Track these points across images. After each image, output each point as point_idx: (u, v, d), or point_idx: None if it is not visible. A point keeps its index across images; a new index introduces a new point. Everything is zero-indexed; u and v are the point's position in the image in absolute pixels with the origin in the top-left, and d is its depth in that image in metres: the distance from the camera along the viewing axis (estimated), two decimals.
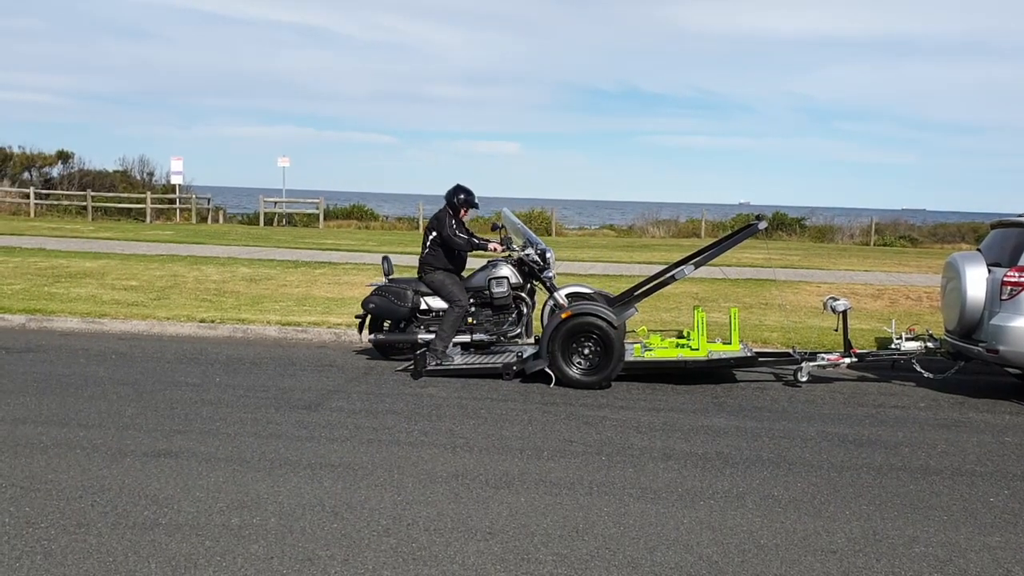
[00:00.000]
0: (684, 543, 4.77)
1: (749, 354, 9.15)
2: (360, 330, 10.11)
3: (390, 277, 10.06)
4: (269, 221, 36.61)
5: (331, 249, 22.19)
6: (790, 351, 9.45)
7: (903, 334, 9.37)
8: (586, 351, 8.63)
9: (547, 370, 8.61)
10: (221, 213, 39.34)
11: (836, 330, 9.46)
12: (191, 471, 5.73)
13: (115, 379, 8.46)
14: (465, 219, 9.80)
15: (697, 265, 9.41)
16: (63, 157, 39.95)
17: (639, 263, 19.62)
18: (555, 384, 8.56)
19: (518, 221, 10.27)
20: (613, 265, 19.39)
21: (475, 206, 9.82)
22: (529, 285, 9.85)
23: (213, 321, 11.60)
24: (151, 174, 41.51)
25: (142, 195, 36.24)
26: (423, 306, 9.73)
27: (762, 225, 9.39)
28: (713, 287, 15.39)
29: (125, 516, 4.93)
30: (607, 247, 26.20)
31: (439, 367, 8.97)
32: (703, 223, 34.92)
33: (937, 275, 14.39)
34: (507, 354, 9.45)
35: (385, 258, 10.31)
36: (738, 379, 9.26)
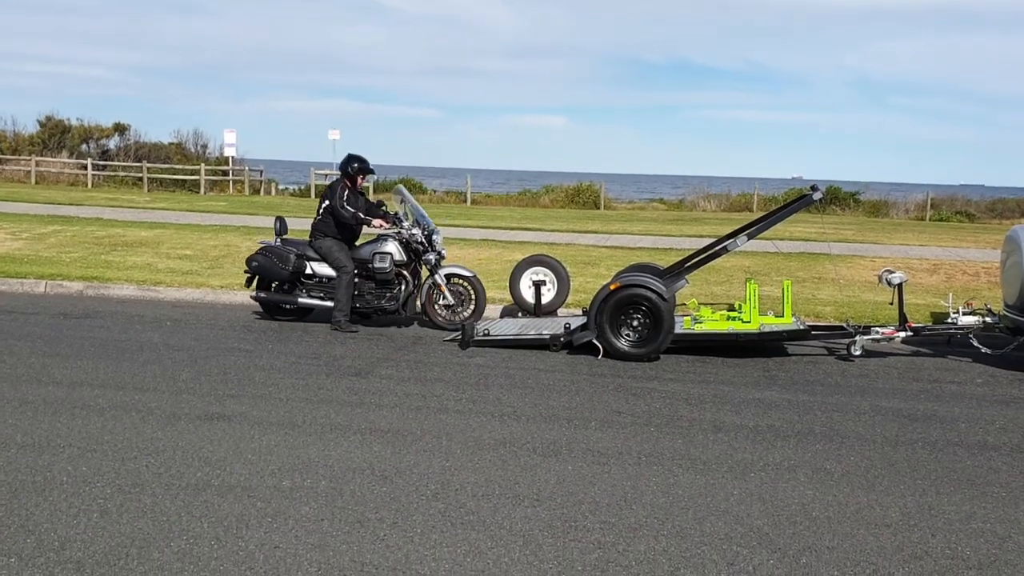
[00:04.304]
0: (734, 514, 4.72)
1: (802, 327, 9.01)
2: (247, 285, 10.37)
3: (282, 237, 10.24)
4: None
5: None
6: (843, 324, 9.29)
7: (960, 308, 9.15)
8: (635, 323, 8.56)
9: (595, 342, 8.57)
10: (273, 185, 39.75)
11: (891, 303, 9.27)
12: (243, 434, 5.81)
13: (170, 345, 8.60)
14: (362, 185, 10.36)
15: (751, 236, 9.25)
16: (119, 129, 40.62)
17: (689, 236, 19.40)
18: (602, 356, 8.51)
19: (413, 200, 10.55)
20: (663, 239, 19.20)
21: (371, 172, 10.39)
22: (414, 264, 10.05)
23: None
24: (204, 146, 42.13)
25: (196, 167, 36.75)
26: (308, 270, 10.00)
27: (817, 196, 9.20)
28: (765, 260, 15.18)
29: (179, 477, 5.02)
30: (657, 220, 25.94)
31: (487, 336, 8.97)
32: (756, 197, 34.40)
33: (995, 250, 14.02)
34: (554, 326, 9.41)
35: (279, 218, 10.46)
36: (790, 352, 9.13)
